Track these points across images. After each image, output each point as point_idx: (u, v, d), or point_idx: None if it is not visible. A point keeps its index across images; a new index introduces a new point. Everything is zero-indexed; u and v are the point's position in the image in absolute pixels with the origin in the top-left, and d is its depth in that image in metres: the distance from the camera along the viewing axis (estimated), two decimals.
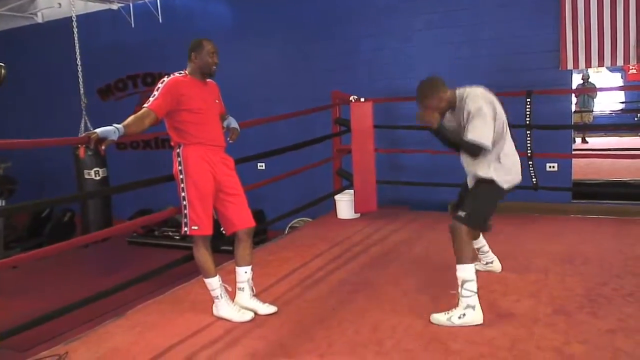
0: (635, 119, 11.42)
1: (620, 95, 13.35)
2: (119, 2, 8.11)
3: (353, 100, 5.61)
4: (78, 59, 6.02)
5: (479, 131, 3.04)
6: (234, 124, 3.56)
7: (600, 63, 5.72)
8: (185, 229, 3.24)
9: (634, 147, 8.07)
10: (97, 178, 5.59)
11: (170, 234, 7.82)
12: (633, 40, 5.49)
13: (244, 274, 3.40)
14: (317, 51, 7.05)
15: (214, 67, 3.24)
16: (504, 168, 3.18)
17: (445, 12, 6.30)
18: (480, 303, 3.06)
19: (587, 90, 9.99)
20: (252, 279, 3.43)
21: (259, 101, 7.09)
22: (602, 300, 3.27)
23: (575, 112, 8.35)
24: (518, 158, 3.30)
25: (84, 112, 6.06)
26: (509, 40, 6.00)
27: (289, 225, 6.94)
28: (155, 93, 3.09)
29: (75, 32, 5.95)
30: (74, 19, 5.96)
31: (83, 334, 3.27)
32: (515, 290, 3.51)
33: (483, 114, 3.03)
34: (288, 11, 7.21)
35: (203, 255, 3.28)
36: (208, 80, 3.32)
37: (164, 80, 3.14)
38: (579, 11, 5.65)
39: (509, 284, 3.63)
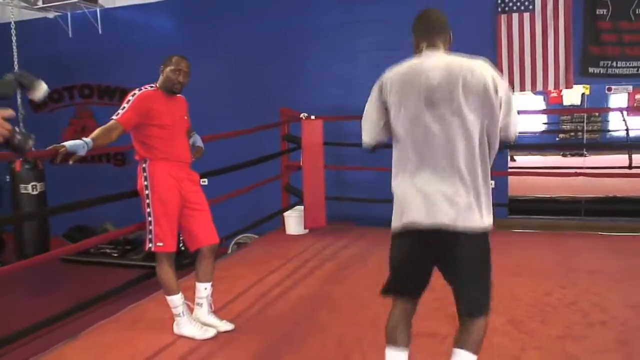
0: (557, 139, 12.16)
1: (544, 117, 14.21)
2: (55, 11, 7.82)
3: (304, 118, 5.69)
4: (16, 68, 5.76)
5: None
6: (199, 142, 3.54)
7: (534, 88, 6.11)
8: (150, 245, 3.18)
9: (560, 165, 8.59)
10: (34, 193, 5.35)
11: (108, 251, 7.54)
12: (562, 67, 5.90)
13: (203, 290, 3.37)
14: (264, 68, 7.10)
15: (177, 85, 3.20)
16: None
17: (387, 35, 6.51)
18: (439, 315, 3.18)
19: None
20: (211, 295, 3.40)
21: (205, 117, 7.00)
22: (549, 309, 3.50)
23: None
24: None
25: (21, 125, 5.80)
26: None
27: (234, 241, 6.88)
28: (125, 105, 3.04)
29: (14, 40, 5.70)
30: (13, 27, 5.71)
31: (34, 357, 3.11)
32: None
33: None
34: (235, 27, 7.22)
35: (167, 273, 3.22)
36: (177, 95, 3.29)
37: (134, 93, 3.10)
38: (513, 38, 6.02)
39: None
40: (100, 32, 7.85)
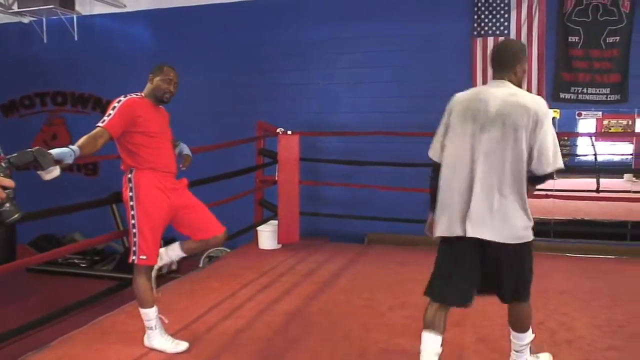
0: None
1: None
2: (31, 16, 7.73)
3: (280, 133, 5.70)
4: None
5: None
6: (186, 150, 3.52)
7: None
8: (134, 257, 3.12)
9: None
10: None
11: (76, 261, 7.39)
12: (535, 91, 6.04)
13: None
14: (242, 81, 7.11)
15: (168, 94, 3.19)
16: None
17: (368, 53, 6.61)
18: (410, 332, 3.20)
19: None
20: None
21: (181, 129, 6.94)
22: None
23: None
24: None
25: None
26: (429, 83, 6.39)
27: (205, 254, 6.80)
28: (111, 112, 2.99)
29: None
30: None
31: None
32: None
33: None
34: (213, 39, 7.23)
35: (144, 285, 3.17)
36: (160, 106, 3.27)
37: (120, 100, 3.05)
38: (488, 62, 6.14)
39: None
40: (76, 39, 7.77)
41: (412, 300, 4.10)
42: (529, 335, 2.78)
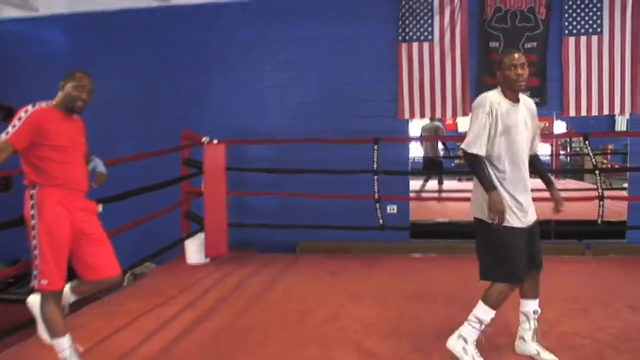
0: (453, 164, 12.67)
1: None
2: None
3: (206, 142, 5.47)
4: None
5: None
6: (100, 167, 3.24)
7: (433, 114, 6.30)
8: (34, 282, 2.83)
9: (456, 189, 8.88)
10: None
11: None
12: (459, 95, 6.14)
13: None
14: (165, 88, 6.81)
15: (79, 102, 2.91)
16: None
17: (296, 55, 6.50)
18: (345, 344, 3.09)
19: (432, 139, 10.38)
20: None
21: (100, 139, 6.52)
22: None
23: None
24: None
25: None
26: (355, 87, 6.36)
27: (130, 272, 6.43)
28: (16, 123, 2.70)
29: None
30: None
31: None
32: (376, 330, 3.60)
33: None
34: (134, 44, 6.87)
35: (52, 312, 2.87)
36: (74, 115, 2.99)
37: (27, 110, 2.76)
38: (413, 66, 6.20)
39: (369, 324, 3.72)
40: None
41: (346, 311, 4.01)
42: (481, 311, 2.98)
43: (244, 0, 6.56)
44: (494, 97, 2.91)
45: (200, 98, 6.74)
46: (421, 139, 8.60)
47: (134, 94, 6.93)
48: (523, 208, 2.91)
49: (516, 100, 2.96)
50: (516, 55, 2.90)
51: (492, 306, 2.93)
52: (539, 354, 3.10)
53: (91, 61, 6.71)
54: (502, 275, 2.91)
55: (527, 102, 3.07)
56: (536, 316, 3.13)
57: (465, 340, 2.98)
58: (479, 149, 2.86)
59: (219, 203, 5.51)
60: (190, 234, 5.75)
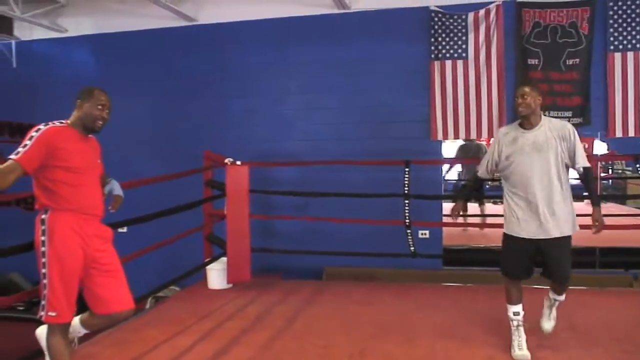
0: (487, 186, 12.25)
1: None
2: None
3: (229, 163, 5.28)
4: None
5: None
6: (117, 190, 3.07)
7: (467, 135, 6.00)
8: (42, 313, 2.65)
9: (493, 213, 8.46)
10: None
11: (12, 304, 6.72)
12: (495, 115, 5.83)
13: None
14: (188, 109, 6.71)
15: (100, 122, 2.77)
16: None
17: (319, 78, 6.31)
18: None
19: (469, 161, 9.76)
20: None
21: (121, 161, 6.46)
22: None
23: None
24: None
25: None
26: (385, 108, 6.12)
27: (152, 296, 6.27)
28: (27, 143, 2.55)
29: None
30: None
31: None
32: None
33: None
34: (157, 65, 6.84)
35: (58, 344, 2.70)
36: (90, 135, 2.84)
37: (39, 129, 2.61)
38: (447, 85, 5.92)
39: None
40: (14, 65, 7.30)
41: (372, 347, 3.71)
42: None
43: (270, 19, 6.42)
44: (504, 128, 3.71)
45: (223, 120, 6.61)
46: (460, 160, 8.15)
47: (156, 115, 6.87)
48: (520, 222, 3.41)
49: (527, 126, 3.44)
50: (520, 87, 3.49)
51: (506, 299, 3.57)
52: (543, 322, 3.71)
53: (116, 82, 6.67)
54: (503, 270, 3.57)
55: (553, 126, 3.44)
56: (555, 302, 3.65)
57: None
58: (481, 171, 3.76)
59: (242, 226, 5.30)
60: (213, 259, 5.55)
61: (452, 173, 8.76)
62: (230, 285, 5.39)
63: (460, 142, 7.71)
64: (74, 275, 2.68)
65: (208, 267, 5.45)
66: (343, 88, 6.24)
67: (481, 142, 7.64)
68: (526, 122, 3.42)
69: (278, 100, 6.45)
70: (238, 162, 5.34)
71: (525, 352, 3.41)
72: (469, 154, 7.71)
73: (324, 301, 4.97)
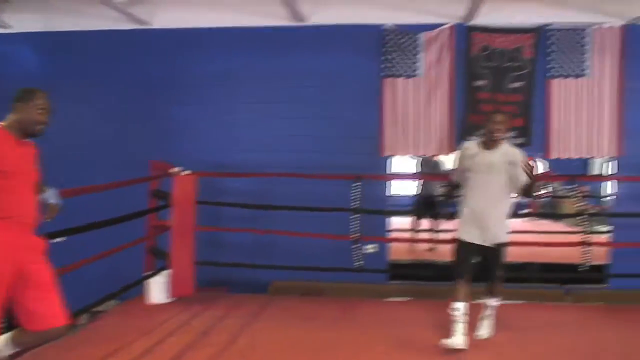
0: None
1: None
2: None
3: (176, 173, 5.13)
4: None
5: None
6: (53, 198, 2.89)
7: (416, 152, 6.09)
8: None
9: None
10: None
11: None
12: (445, 133, 5.94)
13: None
14: (135, 115, 6.46)
15: (41, 126, 2.63)
16: None
17: (273, 89, 6.24)
18: None
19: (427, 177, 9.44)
20: None
21: (62, 167, 6.12)
22: None
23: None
24: None
25: None
26: (337, 122, 6.12)
27: (90, 310, 5.97)
28: None
29: None
30: None
31: None
32: None
33: None
34: (104, 68, 6.51)
35: None
36: (26, 140, 2.68)
37: None
38: (398, 102, 5.98)
39: None
40: None
41: None
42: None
43: (224, 28, 6.31)
44: (467, 143, 4.18)
45: (174, 128, 6.38)
46: (418, 175, 8.16)
47: (104, 120, 6.55)
48: (468, 228, 3.96)
49: (488, 147, 3.94)
50: (496, 115, 3.96)
51: (452, 299, 3.88)
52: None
53: (60, 82, 6.35)
54: (453, 269, 4.02)
55: (508, 152, 3.94)
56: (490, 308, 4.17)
57: None
58: (456, 178, 4.21)
59: (187, 238, 5.16)
60: (155, 271, 5.36)
61: (407, 188, 8.75)
62: (173, 299, 5.22)
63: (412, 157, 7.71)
64: (1, 288, 2.50)
65: (150, 280, 5.26)
66: (296, 100, 6.19)
67: (440, 159, 7.61)
68: (489, 144, 3.94)
69: (230, 110, 6.32)
70: (186, 172, 5.20)
71: (458, 340, 3.75)
72: (428, 170, 7.78)
73: (270, 316, 4.89)
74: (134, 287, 5.16)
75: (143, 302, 5.23)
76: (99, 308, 5.52)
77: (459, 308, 3.81)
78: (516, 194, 4.03)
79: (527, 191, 3.88)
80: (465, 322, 3.81)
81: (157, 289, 5.20)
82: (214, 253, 5.93)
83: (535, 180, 3.82)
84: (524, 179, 3.81)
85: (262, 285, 6.03)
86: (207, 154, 6.18)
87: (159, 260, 5.46)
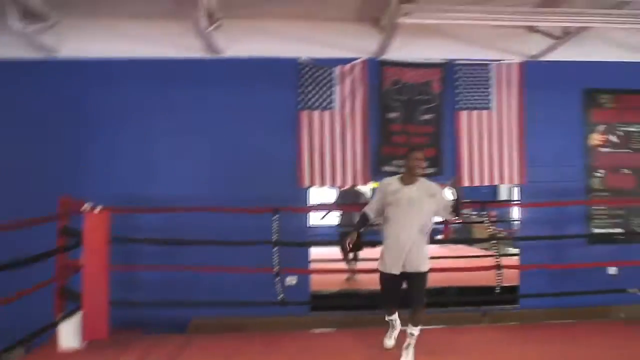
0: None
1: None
2: None
3: (87, 209, 4.92)
4: None
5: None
6: None
7: (333, 183, 6.18)
8: None
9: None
10: None
11: None
12: (360, 164, 6.10)
13: None
14: (47, 149, 6.04)
15: None
16: None
17: (189, 121, 6.11)
18: None
19: (345, 208, 9.32)
20: None
21: None
22: None
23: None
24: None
25: None
26: (255, 154, 6.11)
27: None
28: None
29: None
30: None
31: None
32: None
33: None
34: (9, 100, 6.10)
35: None
36: None
37: None
38: (314, 134, 6.09)
39: None
40: None
41: None
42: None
43: (138, 59, 6.17)
44: (387, 179, 4.52)
45: (85, 163, 6.06)
46: (339, 206, 8.20)
47: (7, 156, 6.11)
48: (385, 260, 4.32)
49: (407, 182, 4.36)
50: (415, 152, 4.39)
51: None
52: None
53: None
54: (381, 301, 4.53)
55: (425, 186, 4.36)
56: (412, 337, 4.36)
57: None
58: (369, 212, 4.52)
59: (100, 278, 4.92)
60: (65, 315, 5.06)
61: (327, 218, 8.75)
62: (85, 344, 4.94)
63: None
64: None
65: (60, 324, 4.95)
66: (214, 133, 6.10)
67: (358, 188, 7.74)
68: (408, 179, 4.37)
69: (144, 142, 6.10)
70: (98, 208, 4.99)
71: (390, 342, 4.62)
72: (348, 200, 7.86)
73: (188, 357, 4.73)
74: (44, 333, 4.84)
75: (53, 349, 4.90)
76: (5, 359, 5.15)
77: (392, 318, 4.62)
78: (444, 217, 4.45)
79: (455, 209, 4.26)
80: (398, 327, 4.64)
81: (68, 334, 4.91)
82: (131, 293, 5.70)
83: (461, 198, 4.26)
84: (449, 203, 4.27)
85: (181, 324, 5.85)
86: (121, 188, 5.93)
87: (70, 303, 5.17)
